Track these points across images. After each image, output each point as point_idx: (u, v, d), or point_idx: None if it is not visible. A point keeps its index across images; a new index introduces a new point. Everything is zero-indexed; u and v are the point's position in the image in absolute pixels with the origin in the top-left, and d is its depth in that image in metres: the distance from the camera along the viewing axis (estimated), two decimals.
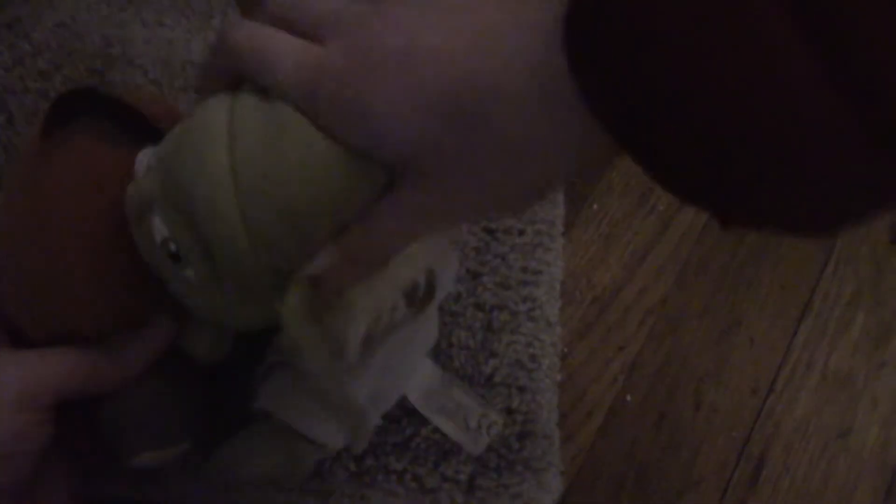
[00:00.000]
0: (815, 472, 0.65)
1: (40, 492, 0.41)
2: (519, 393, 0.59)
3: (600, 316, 0.68)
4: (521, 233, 0.64)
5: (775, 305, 0.71)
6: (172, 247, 0.34)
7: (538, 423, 0.59)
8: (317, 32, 0.33)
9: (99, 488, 0.52)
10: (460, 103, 0.29)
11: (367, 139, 0.31)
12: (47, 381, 0.38)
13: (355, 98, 0.30)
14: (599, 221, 0.70)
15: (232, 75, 0.35)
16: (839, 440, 0.66)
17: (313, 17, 0.34)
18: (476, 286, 0.60)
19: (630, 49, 0.24)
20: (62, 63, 0.62)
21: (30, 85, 0.59)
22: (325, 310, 0.35)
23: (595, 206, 0.70)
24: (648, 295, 0.70)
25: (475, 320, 0.60)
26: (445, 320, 0.59)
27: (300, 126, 0.31)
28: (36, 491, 0.40)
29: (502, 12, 0.29)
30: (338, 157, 0.31)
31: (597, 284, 0.69)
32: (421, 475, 0.55)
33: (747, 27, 0.21)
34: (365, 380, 0.44)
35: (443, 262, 0.44)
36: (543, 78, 0.28)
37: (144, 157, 0.36)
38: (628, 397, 0.66)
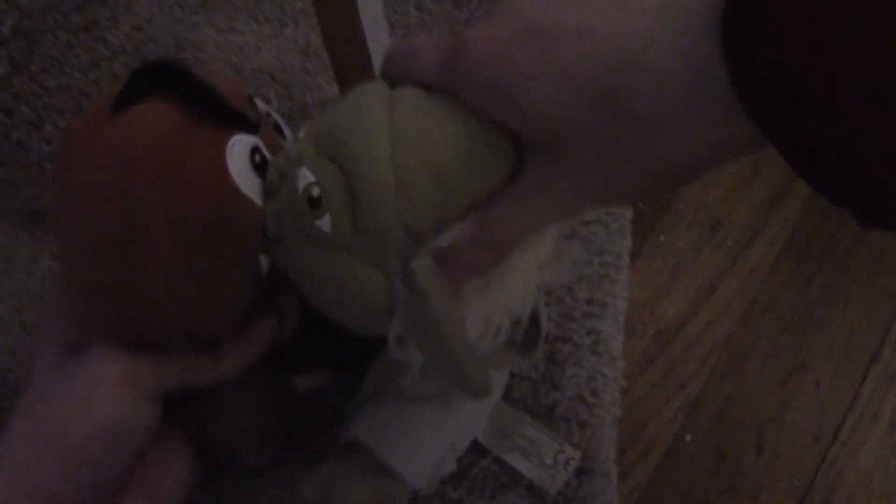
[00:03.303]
0: None
1: (150, 474, 0.40)
2: (579, 428, 0.58)
3: (663, 351, 0.67)
4: (588, 263, 0.63)
5: (843, 350, 0.70)
6: (315, 191, 0.34)
7: (597, 460, 0.57)
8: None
9: None
10: (603, 80, 0.28)
11: (503, 112, 0.32)
12: (147, 364, 0.37)
13: (492, 71, 0.31)
14: (666, 253, 0.68)
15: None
16: None
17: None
18: None
19: (788, 40, 0.23)
20: (136, 66, 0.62)
21: (104, 88, 0.59)
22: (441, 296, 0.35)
23: (662, 238, 0.68)
24: (713, 331, 0.68)
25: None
26: None
27: (449, 102, 0.34)
28: (147, 474, 0.40)
29: None
30: (480, 133, 0.33)
31: (660, 317, 0.68)
32: None
33: None
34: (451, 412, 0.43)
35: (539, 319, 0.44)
36: (691, 59, 0.27)
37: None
38: (688, 437, 0.64)
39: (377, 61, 0.51)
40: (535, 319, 0.41)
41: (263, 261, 0.37)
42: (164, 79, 0.35)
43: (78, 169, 0.35)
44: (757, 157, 0.85)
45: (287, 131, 0.41)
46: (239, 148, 0.36)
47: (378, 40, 0.52)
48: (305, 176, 0.35)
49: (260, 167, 0.36)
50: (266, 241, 0.37)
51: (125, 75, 0.35)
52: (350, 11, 0.49)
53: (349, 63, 0.52)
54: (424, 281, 0.34)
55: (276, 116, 0.41)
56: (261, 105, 0.40)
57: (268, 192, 0.37)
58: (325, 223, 0.35)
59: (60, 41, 0.56)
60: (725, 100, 0.26)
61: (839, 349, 0.70)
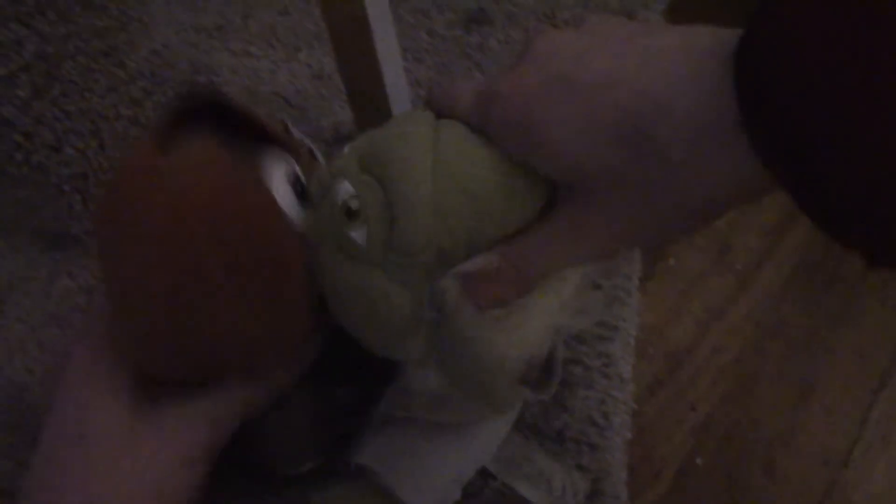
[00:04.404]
0: None
1: None
2: (590, 450, 0.58)
3: (672, 373, 0.67)
4: (598, 287, 0.63)
5: (852, 374, 0.70)
6: (354, 203, 0.35)
7: (607, 483, 0.58)
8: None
9: None
10: (629, 123, 0.30)
11: (534, 155, 0.33)
12: (220, 431, 0.37)
13: (524, 116, 0.32)
14: (676, 277, 0.69)
15: None
16: None
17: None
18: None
19: (799, 91, 0.24)
20: (153, 90, 0.63)
21: (122, 111, 0.60)
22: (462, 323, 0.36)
23: (672, 261, 0.69)
24: (723, 354, 0.69)
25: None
26: None
27: (487, 138, 0.35)
28: None
29: (672, 37, 0.30)
30: (515, 170, 0.34)
31: (670, 341, 0.68)
32: None
33: None
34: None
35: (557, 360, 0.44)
36: (710, 104, 0.28)
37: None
38: (698, 459, 0.64)
39: (390, 86, 0.52)
40: (551, 360, 0.41)
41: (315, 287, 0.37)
42: (203, 107, 0.36)
43: (133, 214, 0.34)
44: None
45: (318, 155, 0.41)
46: (282, 178, 0.37)
47: (391, 65, 0.52)
48: (346, 189, 0.36)
49: (302, 193, 0.37)
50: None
51: (169, 104, 0.35)
52: (364, 37, 0.50)
53: (363, 87, 0.52)
54: (456, 299, 0.35)
55: (308, 141, 0.41)
56: (295, 132, 0.40)
57: (309, 205, 0.38)
58: (359, 235, 0.36)
59: (80, 66, 0.57)
60: (742, 141, 0.27)
61: (848, 373, 0.70)
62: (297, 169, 0.37)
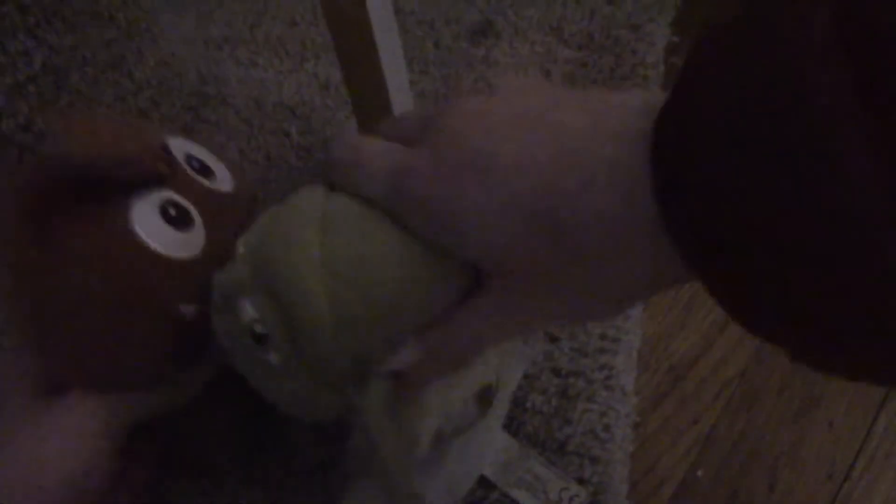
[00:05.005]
0: None
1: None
2: (591, 463, 0.58)
3: (675, 385, 0.67)
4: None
5: (856, 388, 0.69)
6: (259, 328, 0.34)
7: (609, 495, 0.57)
8: (408, 137, 0.34)
9: None
10: (541, 213, 0.29)
11: (451, 239, 0.32)
12: (115, 408, 0.40)
13: (440, 200, 0.31)
14: (679, 289, 0.69)
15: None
16: None
17: (406, 126, 0.35)
18: (553, 351, 0.60)
19: (708, 186, 0.24)
20: (160, 100, 0.64)
21: (130, 121, 0.60)
22: (401, 405, 0.35)
23: None
24: (726, 367, 0.68)
25: (550, 385, 0.59)
26: (521, 384, 0.58)
27: (388, 223, 0.33)
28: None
29: (584, 119, 0.29)
30: (423, 256, 0.32)
31: (673, 353, 0.68)
32: None
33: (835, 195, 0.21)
34: (438, 479, 0.44)
35: (515, 365, 0.44)
36: (625, 198, 0.27)
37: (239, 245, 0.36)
38: (700, 472, 0.64)
39: (396, 97, 0.52)
40: (500, 379, 0.41)
41: (186, 309, 0.38)
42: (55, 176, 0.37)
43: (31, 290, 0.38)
44: None
45: (220, 168, 0.41)
46: (144, 209, 0.37)
47: (397, 77, 0.53)
48: (248, 312, 0.35)
49: (177, 219, 0.37)
50: (191, 289, 0.38)
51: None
52: (369, 48, 0.50)
53: (368, 99, 0.53)
54: (369, 407, 0.34)
55: (204, 154, 0.41)
56: (182, 146, 0.40)
57: (216, 309, 0.37)
58: (272, 358, 0.35)
59: (88, 76, 0.58)
60: (661, 236, 0.26)
61: (852, 387, 0.70)
62: (171, 194, 0.37)
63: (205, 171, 0.40)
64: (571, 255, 0.29)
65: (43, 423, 0.39)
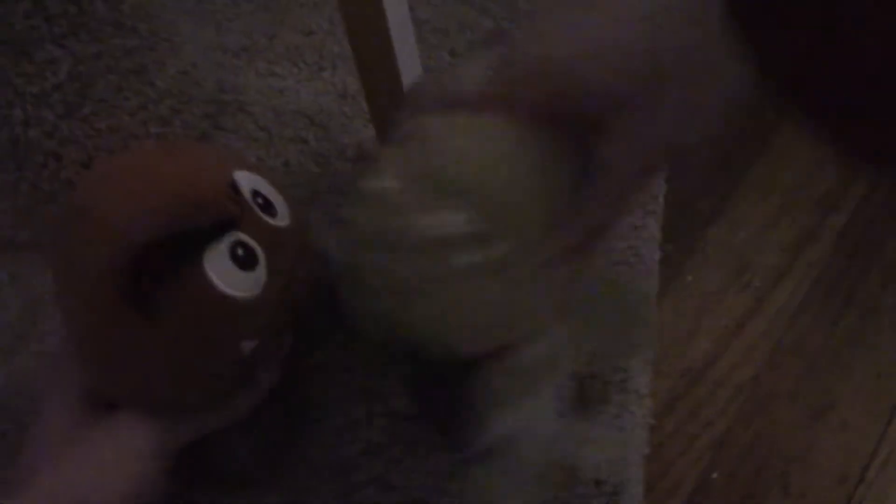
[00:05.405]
0: None
1: None
2: (607, 465, 0.58)
3: (689, 389, 0.67)
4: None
5: (870, 393, 0.70)
6: (472, 228, 0.36)
7: (624, 497, 0.58)
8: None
9: None
10: (640, 49, 0.32)
11: (566, 104, 0.34)
12: (167, 432, 0.41)
13: (547, 68, 0.34)
14: (693, 293, 0.69)
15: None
16: None
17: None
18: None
19: None
20: (181, 108, 0.65)
21: (151, 129, 0.61)
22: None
23: (690, 278, 0.69)
24: (740, 371, 0.69)
25: (566, 387, 0.59)
26: None
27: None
28: None
29: None
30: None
31: (688, 357, 0.69)
32: None
33: None
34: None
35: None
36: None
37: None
38: (714, 475, 0.65)
39: None
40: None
41: (247, 345, 0.40)
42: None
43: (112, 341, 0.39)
44: (784, 200, 0.86)
45: (279, 202, 0.42)
46: (216, 251, 0.37)
47: None
48: (450, 219, 0.36)
49: (244, 260, 0.38)
50: (252, 327, 0.40)
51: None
52: (387, 57, 0.51)
53: (385, 107, 0.53)
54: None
55: (267, 188, 0.42)
56: (248, 181, 0.41)
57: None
58: (478, 257, 0.36)
59: (111, 85, 0.58)
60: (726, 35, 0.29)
61: (865, 390, 0.70)
62: (240, 236, 0.38)
63: (268, 206, 0.41)
64: (667, 75, 0.32)
65: (96, 444, 0.40)
